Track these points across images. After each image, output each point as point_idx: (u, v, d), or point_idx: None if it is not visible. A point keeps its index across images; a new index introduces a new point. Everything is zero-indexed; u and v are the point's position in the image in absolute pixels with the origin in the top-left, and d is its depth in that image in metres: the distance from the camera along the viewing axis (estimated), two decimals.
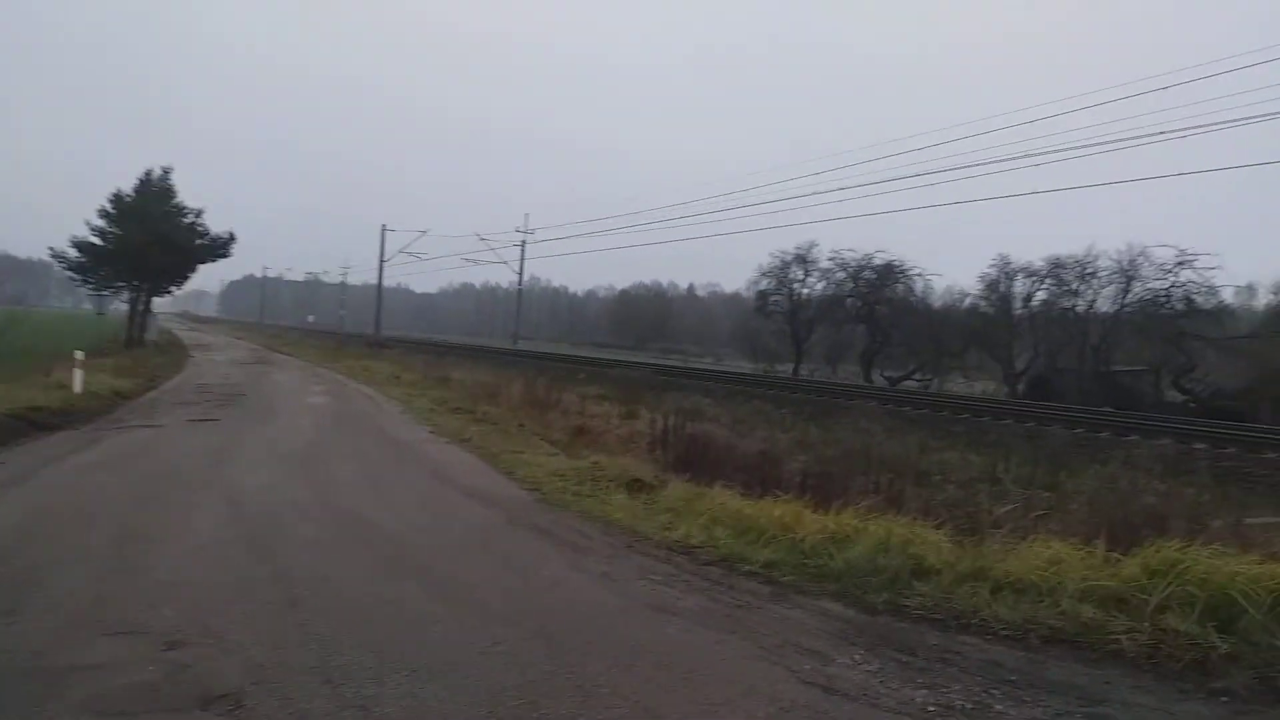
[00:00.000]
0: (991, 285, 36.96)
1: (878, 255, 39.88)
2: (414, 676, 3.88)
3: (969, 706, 3.86)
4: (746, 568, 6.13)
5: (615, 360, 38.57)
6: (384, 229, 54.92)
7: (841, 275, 41.05)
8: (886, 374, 39.19)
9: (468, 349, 46.71)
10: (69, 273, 34.39)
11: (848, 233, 76.42)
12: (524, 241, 53.15)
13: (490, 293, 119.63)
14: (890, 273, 39.87)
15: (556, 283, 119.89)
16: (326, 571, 5.65)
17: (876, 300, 40.07)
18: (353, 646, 4.23)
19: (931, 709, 3.82)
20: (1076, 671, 4.34)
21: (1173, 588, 4.90)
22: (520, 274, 56.22)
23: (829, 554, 6.17)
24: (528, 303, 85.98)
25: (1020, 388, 34.30)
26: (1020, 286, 36.26)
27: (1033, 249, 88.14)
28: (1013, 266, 36.05)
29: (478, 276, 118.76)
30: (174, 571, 5.48)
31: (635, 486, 8.90)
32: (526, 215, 65.12)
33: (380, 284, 57.36)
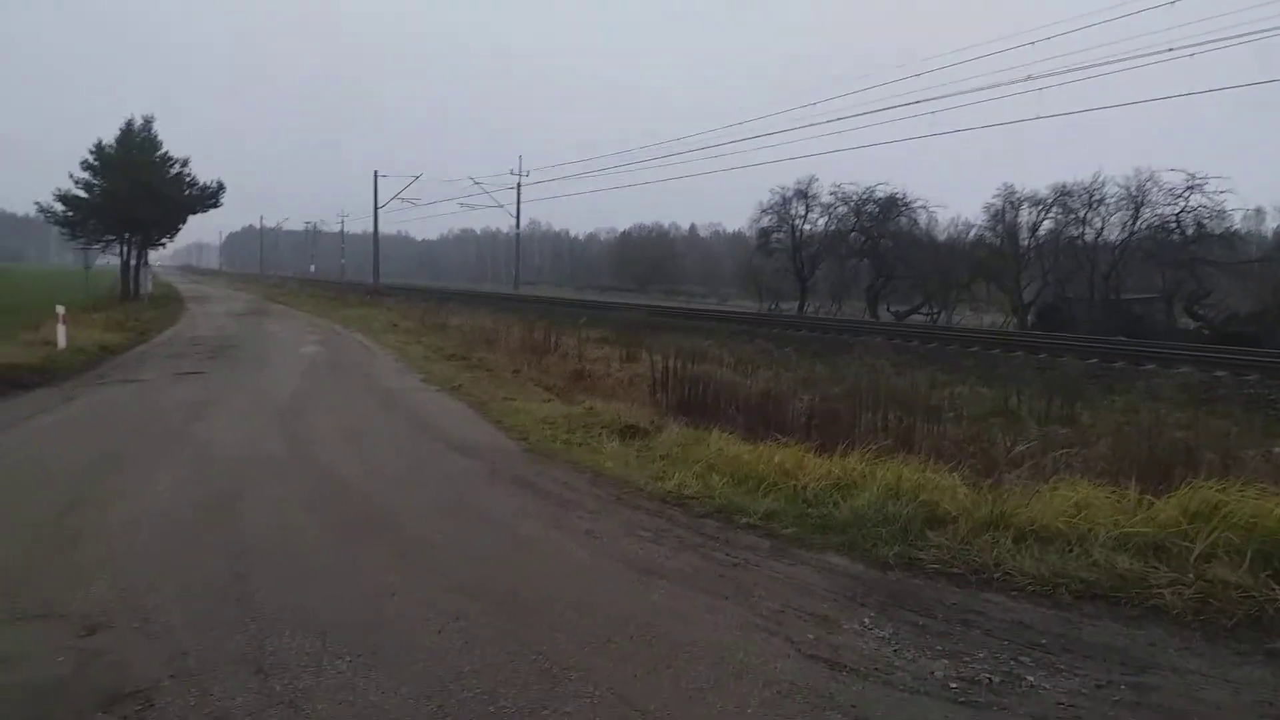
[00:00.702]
0: (997, 215, 36.26)
1: (879, 188, 39.05)
2: (356, 664, 3.39)
3: (996, 680, 3.36)
4: (744, 520, 5.62)
5: (616, 303, 37.94)
6: (376, 175, 53.76)
7: (844, 209, 40.15)
8: (893, 309, 38.47)
9: (468, 295, 46.07)
10: (57, 227, 33.59)
11: (849, 165, 74.73)
12: (519, 184, 52.28)
13: (491, 238, 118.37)
14: (893, 205, 38.95)
15: (558, 226, 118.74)
16: (285, 537, 5.17)
17: (880, 234, 39.20)
18: (295, 628, 3.74)
19: (954, 685, 3.32)
20: (1115, 632, 3.84)
21: (1217, 533, 4.41)
22: (517, 218, 55.35)
23: (834, 502, 5.68)
24: (529, 248, 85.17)
25: (1030, 319, 33.64)
26: (1026, 216, 35.56)
27: (1040, 177, 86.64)
28: (1018, 196, 35.30)
29: (478, 222, 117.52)
30: (116, 541, 4.99)
31: (630, 433, 8.40)
32: (520, 157, 64.03)
33: (376, 231, 56.33)
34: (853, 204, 39.47)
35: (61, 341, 15.37)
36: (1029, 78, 21.30)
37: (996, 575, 4.50)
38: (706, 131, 38.39)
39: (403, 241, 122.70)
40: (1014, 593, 4.31)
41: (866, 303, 39.09)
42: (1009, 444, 7.18)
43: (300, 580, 4.39)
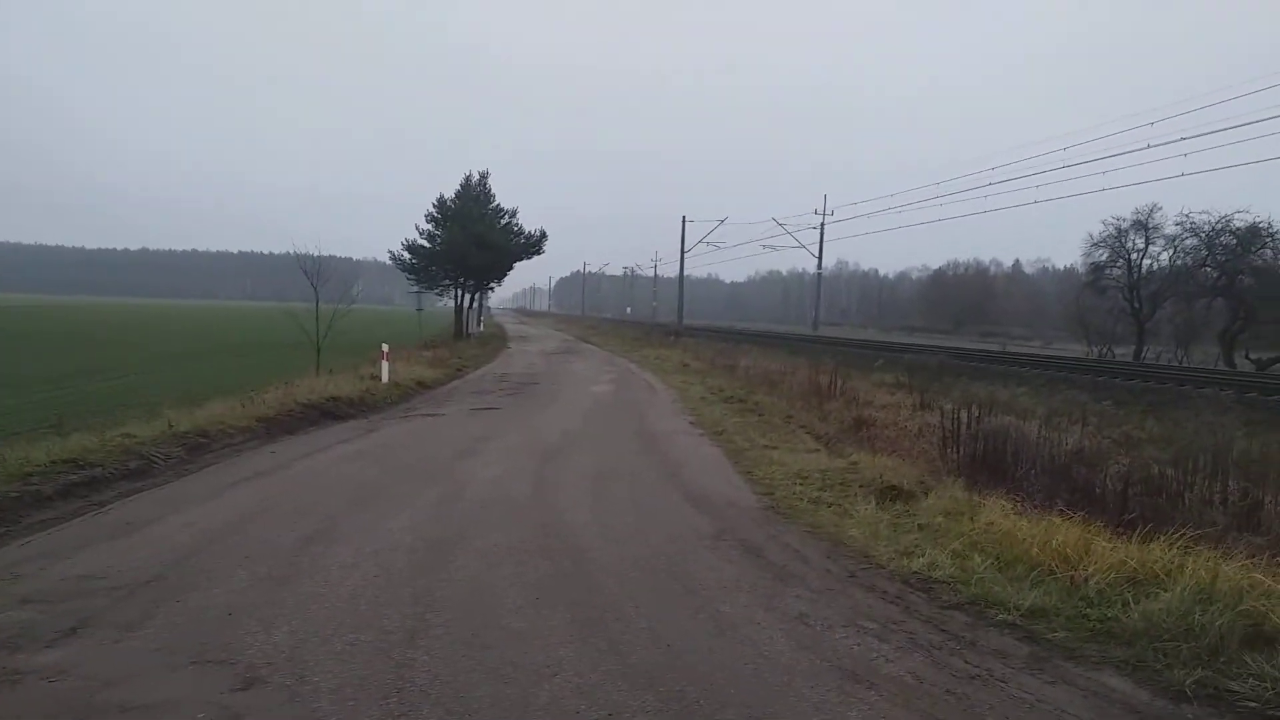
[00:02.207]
0: None
1: (1237, 216, 33.48)
2: None
3: None
4: (1001, 616, 4.59)
5: (921, 346, 35.78)
6: (684, 220, 55.78)
7: (1192, 242, 34.91)
8: (1253, 356, 32.58)
9: (765, 336, 45.85)
10: (403, 273, 38.09)
11: (1197, 193, 65.44)
12: (822, 224, 51.27)
13: (796, 279, 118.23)
14: (1255, 236, 33.14)
15: (866, 266, 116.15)
16: (477, 592, 4.92)
17: (1238, 269, 33.50)
18: (437, 706, 3.41)
19: None
20: None
21: None
22: (820, 257, 54.21)
23: (1123, 602, 4.47)
24: (835, 288, 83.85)
25: None
26: None
27: None
28: None
29: (784, 263, 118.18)
30: (325, 584, 4.99)
31: (891, 494, 7.45)
32: (825, 196, 63.28)
33: (681, 274, 58.17)
34: (1204, 235, 34.20)
35: (385, 376, 17.00)
36: None
37: None
38: (1033, 157, 35.22)
39: (711, 284, 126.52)
40: None
41: (1220, 348, 33.51)
42: None
43: (467, 647, 4.06)
